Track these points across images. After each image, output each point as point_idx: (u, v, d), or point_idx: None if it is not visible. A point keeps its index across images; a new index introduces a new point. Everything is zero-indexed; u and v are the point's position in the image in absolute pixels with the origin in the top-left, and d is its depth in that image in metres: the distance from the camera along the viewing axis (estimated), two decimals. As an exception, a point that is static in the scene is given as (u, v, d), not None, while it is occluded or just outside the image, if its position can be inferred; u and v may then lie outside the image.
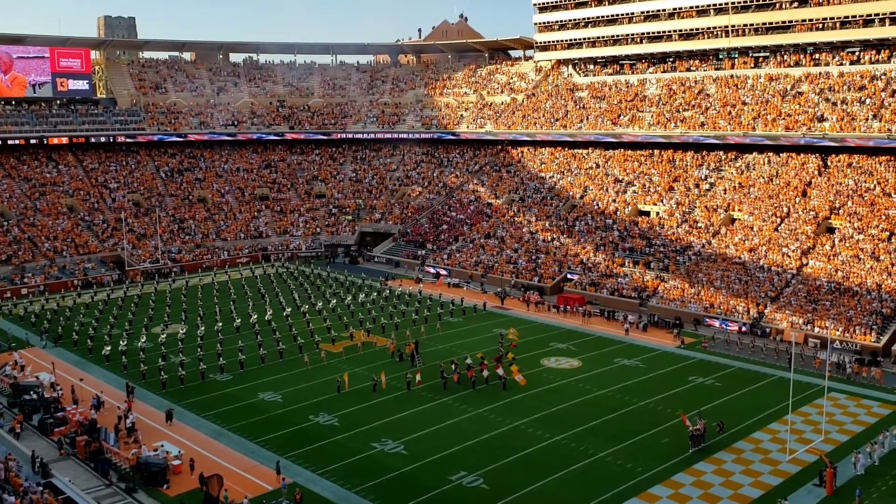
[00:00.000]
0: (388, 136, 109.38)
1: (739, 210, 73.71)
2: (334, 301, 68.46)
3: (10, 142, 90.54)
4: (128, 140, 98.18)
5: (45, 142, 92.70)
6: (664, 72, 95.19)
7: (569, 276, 73.35)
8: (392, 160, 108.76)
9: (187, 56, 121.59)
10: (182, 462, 36.42)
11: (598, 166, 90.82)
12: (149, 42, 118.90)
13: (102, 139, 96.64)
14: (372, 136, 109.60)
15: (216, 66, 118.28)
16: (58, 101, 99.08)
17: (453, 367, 48.49)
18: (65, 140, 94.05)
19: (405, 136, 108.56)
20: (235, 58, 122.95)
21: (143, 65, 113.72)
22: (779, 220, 69.89)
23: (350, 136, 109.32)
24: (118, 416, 41.34)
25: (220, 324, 60.85)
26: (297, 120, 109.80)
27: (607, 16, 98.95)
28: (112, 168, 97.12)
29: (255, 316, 62.65)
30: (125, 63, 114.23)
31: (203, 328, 59.71)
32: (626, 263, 72.27)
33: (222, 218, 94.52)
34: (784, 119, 76.60)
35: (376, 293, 72.56)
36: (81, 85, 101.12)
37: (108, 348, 54.10)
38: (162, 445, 38.17)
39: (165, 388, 47.52)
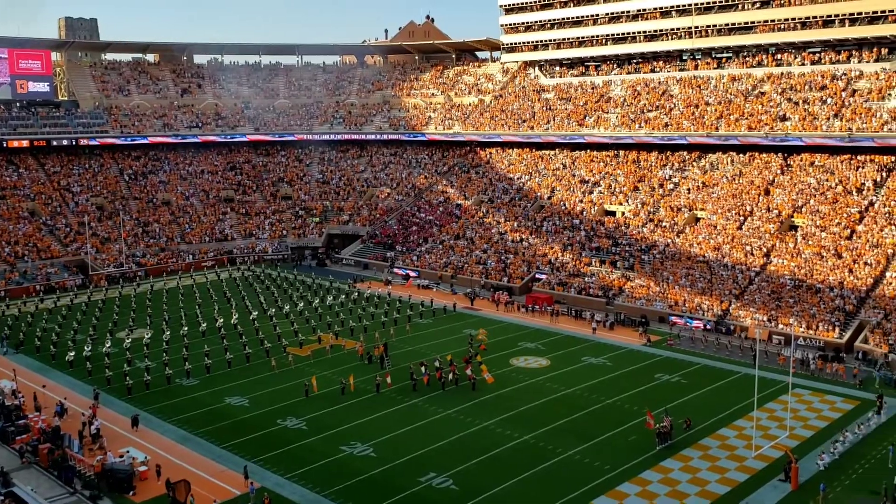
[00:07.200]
0: (356, 137, 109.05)
1: (703, 209, 74.55)
2: (302, 304, 68.04)
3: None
4: (90, 143, 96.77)
5: (5, 145, 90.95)
6: (629, 73, 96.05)
7: (537, 276, 73.68)
8: (360, 161, 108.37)
9: (151, 58, 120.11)
10: (148, 468, 35.98)
11: (564, 167, 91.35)
12: (111, 44, 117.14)
13: (64, 142, 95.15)
14: (339, 137, 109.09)
15: (180, 68, 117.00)
16: (18, 104, 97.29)
17: (423, 368, 48.47)
18: (25, 143, 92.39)
19: (373, 137, 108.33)
20: (199, 59, 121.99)
21: (106, 67, 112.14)
22: (742, 218, 70.79)
23: (316, 137, 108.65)
24: (82, 422, 40.73)
25: (186, 328, 60.28)
26: (262, 121, 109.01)
27: (572, 17, 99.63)
28: (75, 171, 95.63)
29: (222, 320, 62.07)
30: (87, 65, 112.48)
31: (169, 333, 58.98)
32: (593, 263, 72.77)
33: (187, 221, 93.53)
34: (747, 119, 77.64)
35: (345, 296, 72.27)
36: (42, 87, 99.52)
37: (72, 354, 53.28)
38: (128, 451, 37.67)
39: (131, 393, 46.91)
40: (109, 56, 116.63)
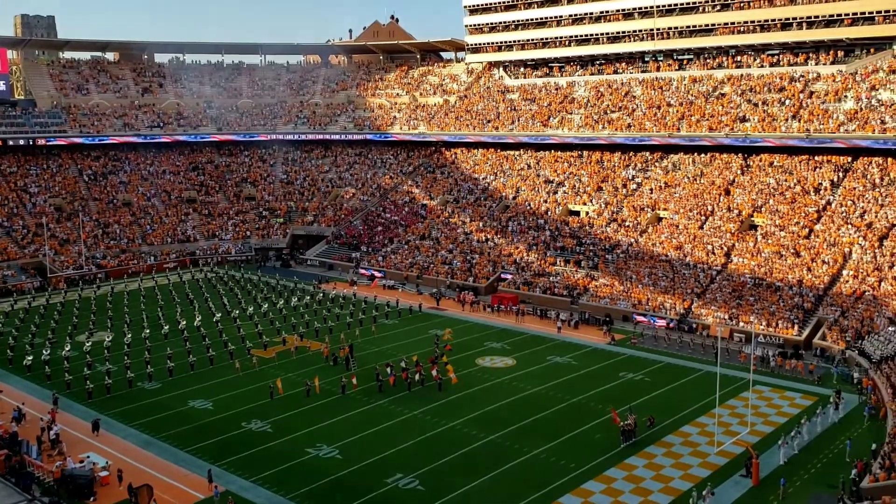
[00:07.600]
0: (320, 137, 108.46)
1: (665, 209, 75.40)
2: (266, 305, 67.51)
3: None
4: (48, 143, 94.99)
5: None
6: (592, 74, 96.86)
7: (503, 275, 73.93)
8: (324, 162, 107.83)
9: (111, 56, 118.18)
10: (110, 473, 35.47)
11: (529, 167, 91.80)
12: (70, 42, 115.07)
13: (21, 142, 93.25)
14: (303, 137, 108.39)
15: (141, 67, 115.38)
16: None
17: (389, 369, 48.38)
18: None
19: (337, 137, 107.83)
20: (161, 58, 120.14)
21: (64, 65, 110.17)
22: (703, 218, 71.72)
23: (280, 137, 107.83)
24: (41, 427, 39.98)
25: (148, 331, 59.49)
26: (225, 121, 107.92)
27: (536, 19, 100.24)
28: (32, 172, 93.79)
29: (184, 322, 61.35)
30: (45, 63, 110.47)
31: (130, 335, 58.11)
32: (558, 262, 73.22)
33: (148, 222, 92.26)
34: (707, 120, 78.67)
35: (309, 297, 71.84)
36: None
37: (30, 358, 52.26)
38: (88, 457, 37.07)
39: (91, 397, 46.15)
40: (68, 55, 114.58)
